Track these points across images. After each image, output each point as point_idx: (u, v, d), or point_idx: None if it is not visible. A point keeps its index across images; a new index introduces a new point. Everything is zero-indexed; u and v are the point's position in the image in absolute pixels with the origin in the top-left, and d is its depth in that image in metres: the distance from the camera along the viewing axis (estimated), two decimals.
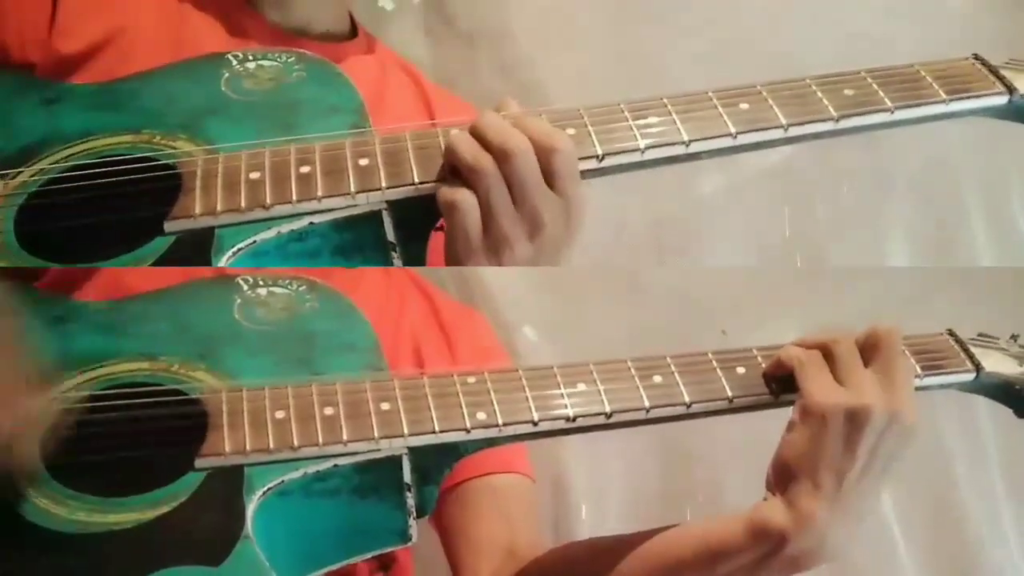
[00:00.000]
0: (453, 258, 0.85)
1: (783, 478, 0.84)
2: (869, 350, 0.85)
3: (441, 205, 0.84)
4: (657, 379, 0.88)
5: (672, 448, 1.30)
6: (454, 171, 0.84)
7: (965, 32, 1.29)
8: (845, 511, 0.84)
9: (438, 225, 0.87)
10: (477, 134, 0.83)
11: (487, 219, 0.83)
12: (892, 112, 0.88)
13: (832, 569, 1.31)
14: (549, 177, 0.83)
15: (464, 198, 0.83)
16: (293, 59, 0.97)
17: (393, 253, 0.87)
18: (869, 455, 0.83)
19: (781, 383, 0.88)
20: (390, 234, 0.86)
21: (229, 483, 0.81)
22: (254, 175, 0.86)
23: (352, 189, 0.85)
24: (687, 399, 0.87)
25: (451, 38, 1.36)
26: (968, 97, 0.89)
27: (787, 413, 0.90)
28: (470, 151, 0.83)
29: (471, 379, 0.87)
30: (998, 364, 0.91)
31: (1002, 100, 0.89)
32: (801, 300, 1.32)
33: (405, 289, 1.13)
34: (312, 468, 0.82)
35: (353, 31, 1.16)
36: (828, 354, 0.86)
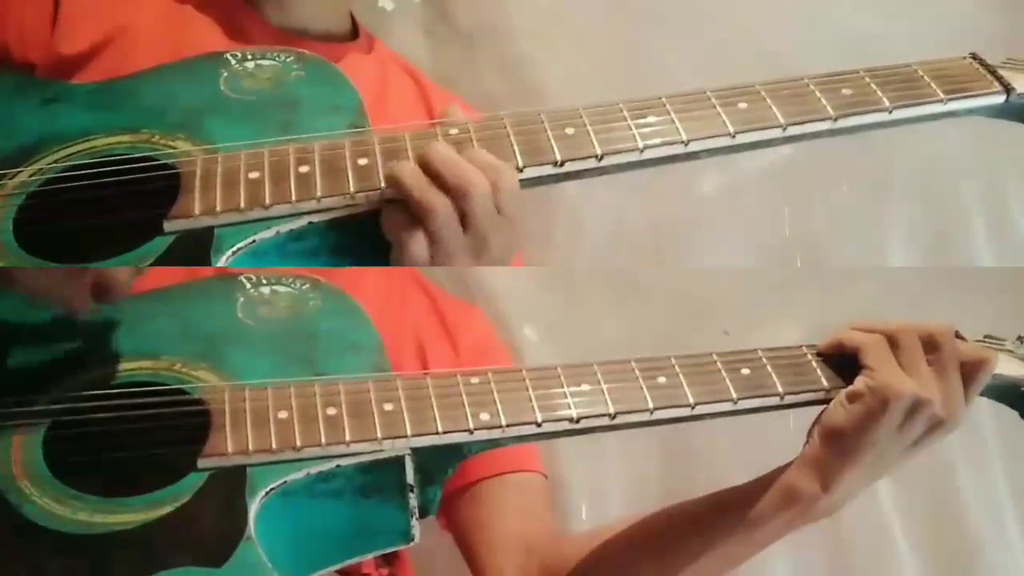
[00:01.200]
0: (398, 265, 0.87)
1: (828, 440, 0.86)
2: (927, 348, 0.87)
3: (387, 234, 0.84)
4: (661, 380, 0.88)
5: (673, 448, 1.30)
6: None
7: (965, 32, 1.29)
8: (868, 481, 0.88)
9: None
10: (430, 168, 0.84)
11: (436, 246, 0.84)
12: (890, 112, 0.88)
13: (832, 569, 1.33)
14: (498, 207, 0.84)
15: (412, 232, 0.83)
16: (292, 58, 0.97)
17: None
18: (912, 444, 0.87)
19: (832, 365, 0.89)
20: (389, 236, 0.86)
21: (231, 483, 0.81)
22: (253, 175, 0.86)
23: (351, 189, 0.85)
24: (691, 400, 0.87)
25: (451, 38, 1.36)
26: (966, 96, 0.89)
27: (790, 416, 0.90)
28: (419, 189, 0.83)
29: (474, 379, 0.87)
30: (1004, 366, 0.91)
31: (999, 99, 0.89)
32: (801, 300, 1.31)
33: (406, 285, 1.13)
34: (315, 468, 0.82)
35: (354, 32, 1.16)
36: (893, 342, 0.87)
